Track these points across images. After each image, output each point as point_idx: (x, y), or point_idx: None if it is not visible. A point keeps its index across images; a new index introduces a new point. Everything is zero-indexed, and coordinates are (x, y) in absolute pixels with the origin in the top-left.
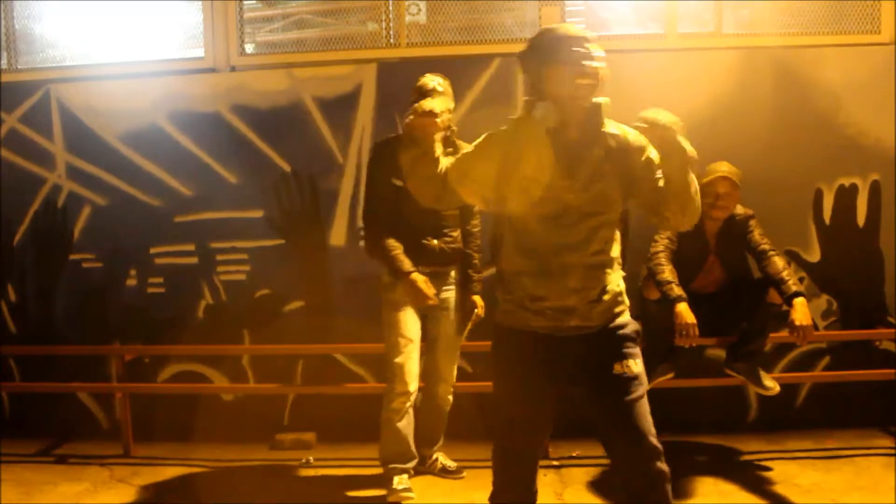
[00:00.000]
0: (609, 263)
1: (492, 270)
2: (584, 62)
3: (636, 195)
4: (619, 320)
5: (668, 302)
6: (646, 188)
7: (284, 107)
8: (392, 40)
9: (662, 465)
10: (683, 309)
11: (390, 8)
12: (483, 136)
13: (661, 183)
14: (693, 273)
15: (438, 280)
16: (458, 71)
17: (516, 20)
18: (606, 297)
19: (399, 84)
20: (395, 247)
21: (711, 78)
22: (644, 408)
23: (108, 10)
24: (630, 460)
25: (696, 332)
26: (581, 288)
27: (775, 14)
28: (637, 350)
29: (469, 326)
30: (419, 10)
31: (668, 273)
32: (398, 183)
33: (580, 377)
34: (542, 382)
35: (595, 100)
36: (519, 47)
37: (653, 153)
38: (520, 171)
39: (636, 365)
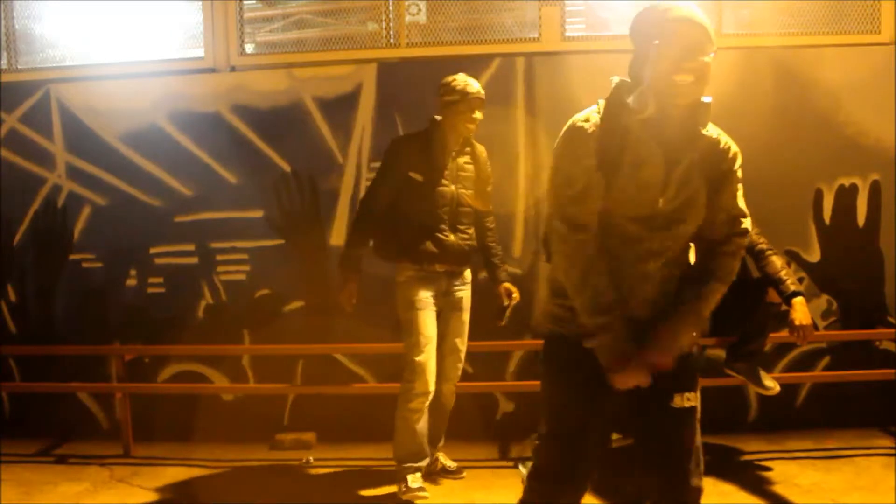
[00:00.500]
0: (678, 276)
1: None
2: (691, 56)
3: (712, 204)
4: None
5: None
6: (723, 198)
7: (284, 107)
8: (392, 40)
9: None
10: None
11: (390, 8)
12: (564, 139)
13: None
14: None
15: (452, 279)
16: (458, 71)
17: (516, 20)
18: (670, 312)
19: (399, 84)
20: (361, 248)
21: (711, 78)
22: (693, 443)
23: (108, 10)
24: (667, 498)
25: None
26: (658, 297)
27: (775, 14)
28: (698, 381)
29: (508, 313)
30: (419, 10)
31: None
32: (416, 177)
33: (634, 399)
34: (599, 397)
35: (703, 99)
36: (519, 47)
37: (738, 168)
38: (622, 169)
39: (695, 398)
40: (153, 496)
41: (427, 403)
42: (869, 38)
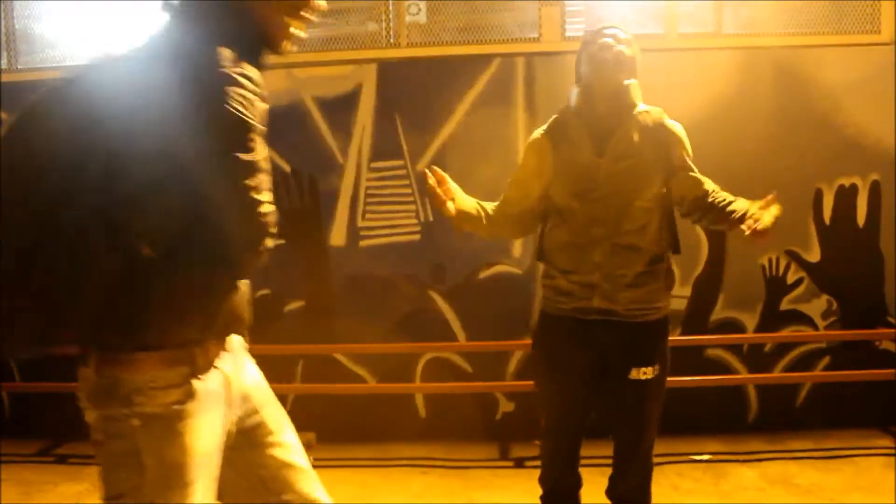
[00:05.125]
0: (643, 250)
1: None
2: (602, 41)
3: (672, 182)
4: (650, 318)
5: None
6: (682, 177)
7: (284, 107)
8: (392, 40)
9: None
10: None
11: (390, 8)
12: (526, 148)
13: (702, 186)
14: None
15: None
16: (458, 71)
17: (516, 20)
18: (634, 284)
19: (399, 84)
20: None
21: (711, 78)
22: (650, 412)
23: (108, 10)
24: (623, 461)
25: None
26: (605, 263)
27: (775, 14)
28: (659, 355)
29: None
30: (419, 10)
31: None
32: None
33: (602, 370)
34: (571, 367)
35: (625, 81)
36: (519, 47)
37: (689, 148)
38: (561, 155)
39: (653, 371)
40: None
41: None
42: (869, 38)
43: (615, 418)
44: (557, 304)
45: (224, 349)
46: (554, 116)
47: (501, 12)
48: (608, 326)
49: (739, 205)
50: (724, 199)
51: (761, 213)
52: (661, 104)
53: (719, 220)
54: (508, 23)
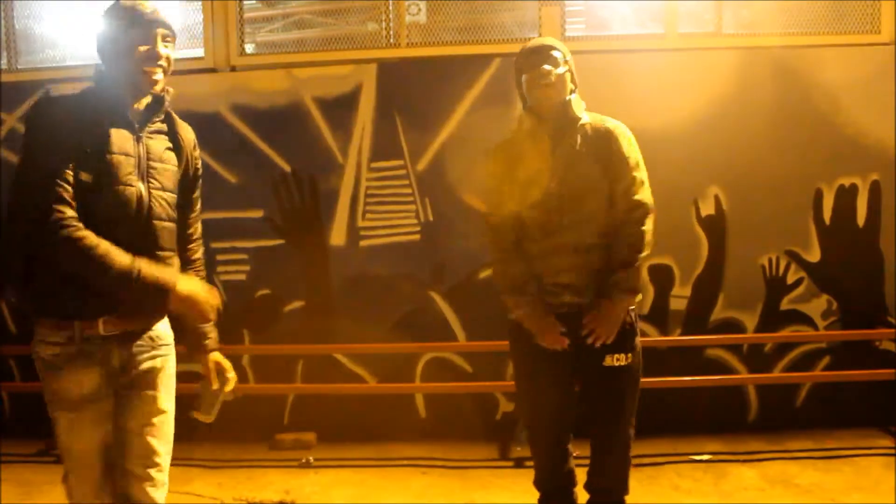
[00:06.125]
0: (606, 247)
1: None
2: (541, 67)
3: (614, 179)
4: None
5: None
6: (621, 173)
7: (284, 107)
8: (392, 40)
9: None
10: None
11: (390, 8)
12: (487, 156)
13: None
14: None
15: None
16: (458, 71)
17: (516, 20)
18: (601, 278)
19: (399, 84)
20: None
21: (711, 78)
22: (625, 398)
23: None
24: (599, 445)
25: None
26: (571, 267)
27: (775, 14)
28: (631, 343)
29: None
30: (419, 10)
31: None
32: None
33: (579, 360)
34: (549, 362)
35: (567, 97)
36: (519, 47)
37: (625, 146)
38: (517, 171)
39: (626, 358)
40: None
41: None
42: (869, 38)
43: (592, 410)
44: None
45: (125, 329)
46: (505, 138)
47: (501, 12)
48: (579, 317)
49: (615, 276)
50: (622, 245)
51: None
52: (662, 104)
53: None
54: (508, 23)
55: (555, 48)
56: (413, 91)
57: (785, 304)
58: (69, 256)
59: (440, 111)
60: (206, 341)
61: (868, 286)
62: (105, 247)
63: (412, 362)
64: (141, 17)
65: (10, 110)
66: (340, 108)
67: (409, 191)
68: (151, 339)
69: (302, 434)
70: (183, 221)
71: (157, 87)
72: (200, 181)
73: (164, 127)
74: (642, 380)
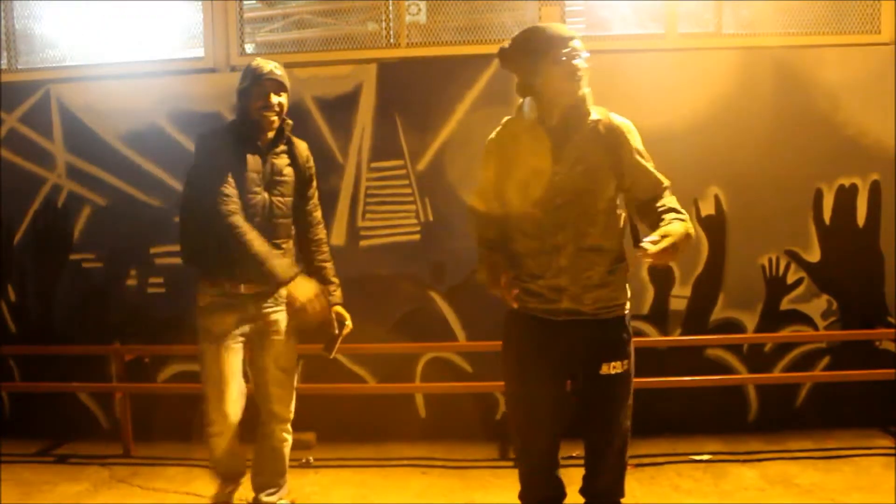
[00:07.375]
0: (607, 250)
1: None
2: (575, 62)
3: (626, 183)
4: (614, 315)
5: None
6: (637, 176)
7: None
8: (392, 40)
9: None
10: None
11: (390, 8)
12: (483, 152)
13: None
14: None
15: (260, 301)
16: (458, 71)
17: (516, 20)
18: (600, 284)
19: (399, 84)
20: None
21: (711, 78)
22: (620, 405)
23: (108, 10)
24: (593, 453)
25: None
26: (570, 267)
27: (775, 14)
28: (626, 350)
29: (338, 343)
30: (419, 10)
31: None
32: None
33: (573, 367)
34: (541, 366)
35: (581, 92)
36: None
37: (638, 144)
38: (518, 165)
39: (621, 366)
40: (153, 496)
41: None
42: (869, 38)
43: (587, 417)
44: (527, 305)
45: (258, 290)
46: (503, 124)
47: (501, 12)
48: (576, 325)
49: (671, 227)
50: (665, 208)
51: (660, 244)
52: (662, 104)
53: (652, 228)
54: (508, 23)
55: (580, 41)
56: (413, 91)
57: (785, 304)
58: (230, 235)
59: (440, 111)
60: (331, 297)
61: (868, 286)
62: (253, 235)
63: (412, 362)
64: (260, 77)
65: (10, 110)
66: (340, 109)
67: (408, 191)
68: (275, 299)
69: (302, 434)
70: (302, 209)
71: (274, 125)
72: (315, 180)
73: (286, 148)
74: (642, 380)
